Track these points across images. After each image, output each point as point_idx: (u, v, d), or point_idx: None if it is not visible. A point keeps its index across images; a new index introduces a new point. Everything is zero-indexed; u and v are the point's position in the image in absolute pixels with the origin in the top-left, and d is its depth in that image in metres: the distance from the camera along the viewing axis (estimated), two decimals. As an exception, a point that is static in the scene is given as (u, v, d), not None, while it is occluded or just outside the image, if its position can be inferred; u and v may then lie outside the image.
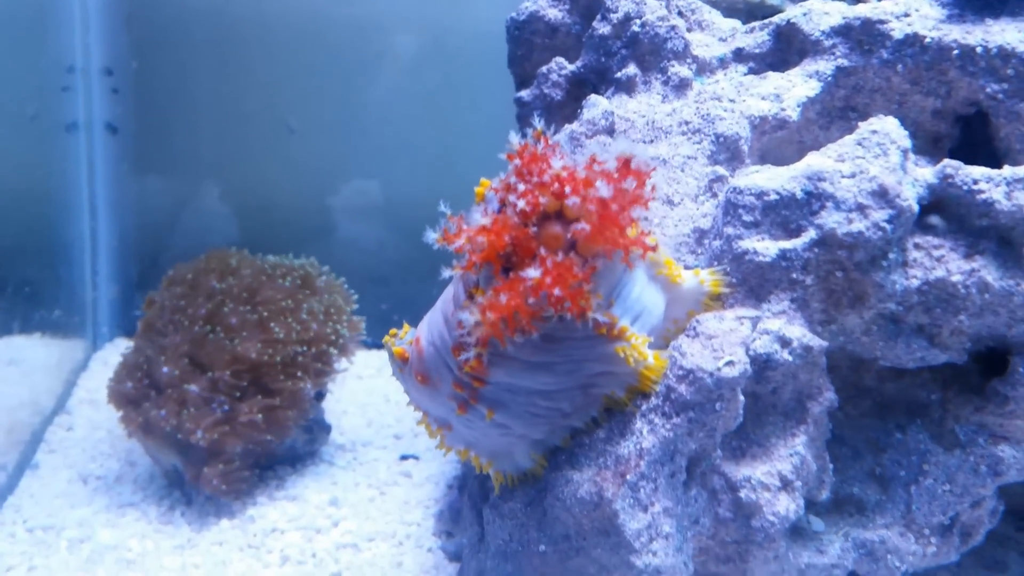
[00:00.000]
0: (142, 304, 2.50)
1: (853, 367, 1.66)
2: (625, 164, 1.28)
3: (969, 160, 1.54)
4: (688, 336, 1.44)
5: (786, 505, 1.45)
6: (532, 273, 1.23)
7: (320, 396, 2.40)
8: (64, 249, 3.19)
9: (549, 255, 1.26)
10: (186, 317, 2.27)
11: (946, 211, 1.51)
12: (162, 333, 2.26)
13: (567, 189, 1.26)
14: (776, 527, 1.45)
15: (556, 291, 1.24)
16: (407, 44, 3.56)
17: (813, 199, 1.48)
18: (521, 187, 1.27)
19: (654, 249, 1.34)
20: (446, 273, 1.30)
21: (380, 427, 2.72)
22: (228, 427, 2.15)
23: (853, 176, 1.47)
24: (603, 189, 1.24)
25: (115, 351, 3.23)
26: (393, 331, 1.57)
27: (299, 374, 2.26)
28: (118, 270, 3.46)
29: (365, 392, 3.04)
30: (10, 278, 2.78)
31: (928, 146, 1.75)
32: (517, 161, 1.30)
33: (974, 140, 1.74)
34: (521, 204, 1.26)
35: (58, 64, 3.07)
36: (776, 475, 1.47)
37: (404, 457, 2.49)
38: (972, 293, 1.46)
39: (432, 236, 1.28)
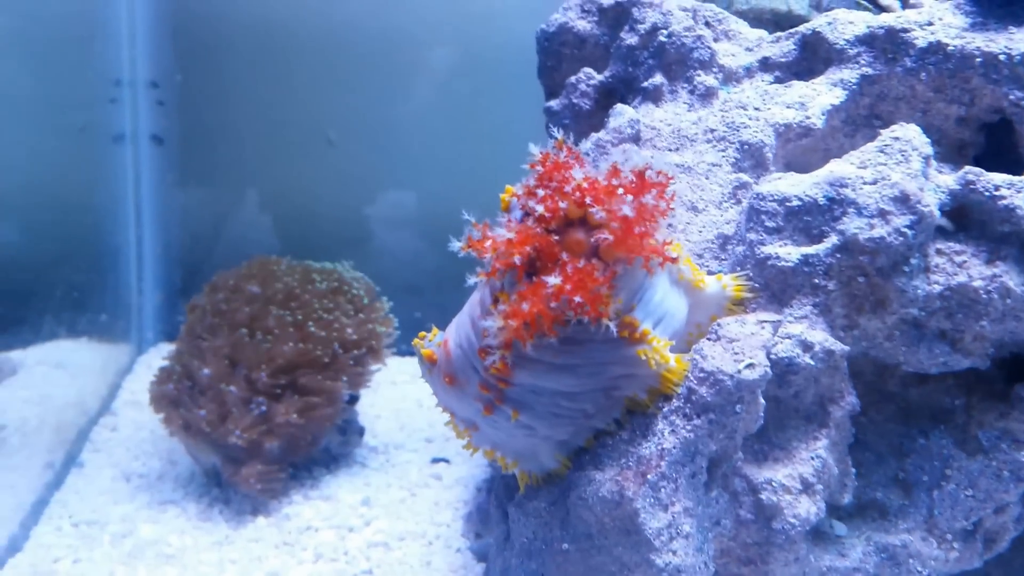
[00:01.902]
0: (185, 309, 2.59)
1: (877, 372, 1.67)
2: (641, 176, 1.32)
3: (994, 167, 1.55)
4: (710, 339, 1.46)
5: (807, 508, 1.47)
6: (553, 280, 1.27)
7: (354, 399, 2.47)
8: (111, 256, 3.30)
9: (571, 260, 1.30)
10: (226, 321, 2.34)
11: (968, 217, 1.53)
12: (203, 336, 2.34)
13: (588, 199, 1.31)
14: (797, 529, 1.47)
15: (577, 297, 1.28)
16: (442, 57, 3.63)
17: (835, 205, 1.50)
18: (541, 193, 1.32)
19: (675, 261, 1.37)
20: (471, 280, 1.34)
21: (412, 431, 2.77)
22: (265, 427, 2.22)
23: (875, 182, 1.49)
24: (627, 208, 1.28)
25: (158, 355, 3.33)
26: (422, 334, 1.62)
27: (334, 375, 2.32)
28: (162, 277, 3.57)
29: (399, 397, 3.10)
30: (59, 284, 2.89)
31: (952, 153, 1.76)
32: (539, 168, 1.35)
33: (1000, 147, 1.74)
34: (540, 209, 1.30)
35: (106, 77, 3.19)
36: (797, 478, 1.49)
37: (435, 460, 2.54)
38: (994, 298, 1.46)
39: (457, 245, 1.32)
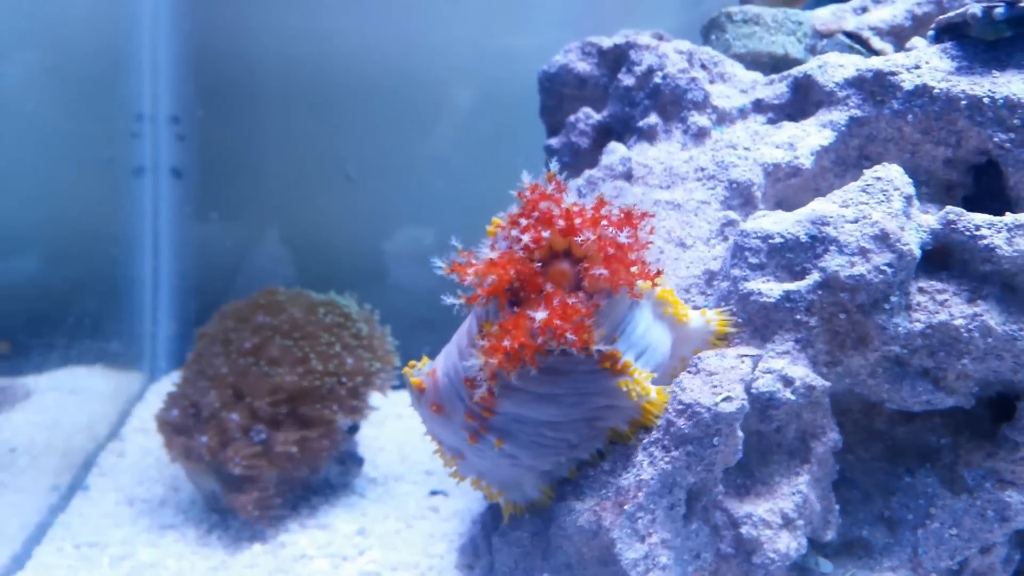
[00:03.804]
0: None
1: (864, 411, 1.68)
2: (628, 213, 1.36)
3: (983, 208, 1.57)
4: (690, 372, 1.48)
5: (787, 543, 1.47)
6: (540, 315, 1.30)
7: (353, 429, 2.49)
8: (127, 286, 3.38)
9: (556, 292, 1.33)
10: (232, 349, 2.39)
11: (950, 256, 1.54)
12: (210, 364, 2.39)
13: (577, 222, 1.34)
14: (777, 564, 1.47)
15: (559, 324, 1.31)
16: (463, 97, 3.71)
17: (817, 243, 1.52)
18: (524, 222, 1.35)
19: (658, 275, 1.40)
20: (448, 300, 1.37)
21: (413, 463, 2.79)
22: (264, 455, 2.25)
23: (856, 221, 1.51)
24: (610, 230, 1.31)
25: (170, 383, 3.38)
26: (412, 362, 1.65)
27: (334, 407, 2.36)
28: (178, 307, 3.65)
29: (404, 430, 3.12)
30: (75, 312, 2.96)
31: (941, 194, 1.78)
32: (527, 195, 1.39)
33: (988, 188, 1.76)
34: (526, 239, 1.34)
35: (128, 112, 3.30)
36: (778, 513, 1.49)
37: (434, 493, 2.56)
38: (975, 337, 1.47)
39: (439, 264, 1.36)
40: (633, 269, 1.35)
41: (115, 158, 3.25)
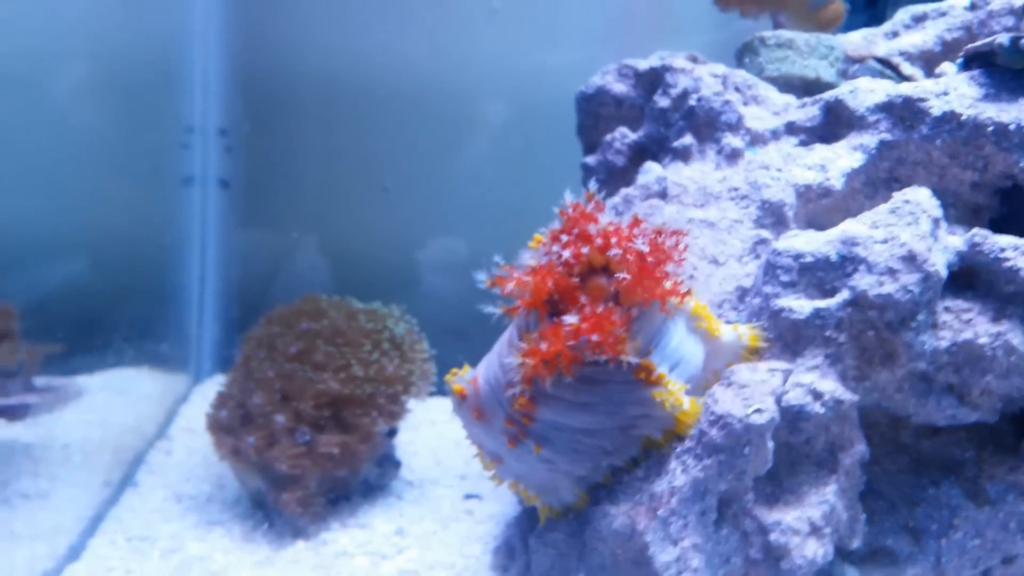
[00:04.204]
0: (240, 343, 2.75)
1: (891, 424, 1.74)
2: (659, 230, 1.44)
3: (1009, 230, 1.63)
4: (722, 385, 1.55)
5: (814, 550, 1.53)
6: (570, 319, 1.39)
7: (392, 433, 2.59)
8: (175, 291, 3.51)
9: (590, 303, 1.41)
10: (278, 353, 2.50)
11: (976, 277, 1.60)
12: (257, 367, 2.49)
13: (613, 240, 1.42)
14: (804, 570, 1.53)
15: (594, 336, 1.39)
16: (496, 112, 3.80)
17: (847, 262, 1.59)
18: (565, 238, 1.44)
19: (688, 294, 1.48)
20: (488, 309, 1.46)
21: (448, 468, 2.88)
22: (308, 456, 2.35)
23: (885, 242, 1.57)
24: (641, 243, 1.39)
25: (214, 385, 3.48)
26: (454, 370, 1.74)
27: (373, 412, 2.45)
28: (222, 312, 3.77)
29: (437, 436, 3.21)
30: (125, 315, 3.08)
31: (968, 216, 1.84)
32: (569, 214, 1.48)
33: (1015, 211, 1.82)
34: (566, 254, 1.43)
35: (179, 124, 3.44)
36: (806, 520, 1.55)
37: (468, 496, 2.64)
38: (999, 355, 1.53)
39: (482, 278, 1.45)
40: (666, 284, 1.43)
41: (165, 168, 3.39)
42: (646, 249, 1.40)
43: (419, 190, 3.81)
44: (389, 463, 2.65)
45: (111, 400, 3.07)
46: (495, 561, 2.24)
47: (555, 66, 3.67)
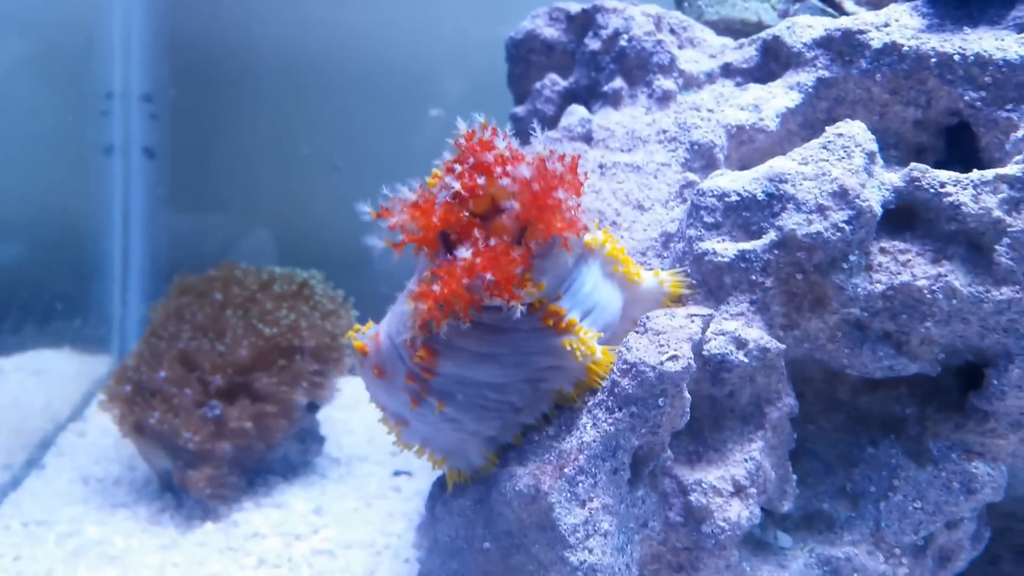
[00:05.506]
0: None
1: (827, 379, 1.61)
2: (551, 152, 1.28)
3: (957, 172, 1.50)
4: (637, 332, 1.41)
5: (738, 511, 1.40)
6: (463, 253, 1.24)
7: (313, 407, 2.43)
8: (95, 267, 3.32)
9: (484, 238, 1.26)
10: (186, 323, 2.33)
11: (915, 216, 1.47)
12: (162, 338, 2.32)
13: (509, 168, 1.27)
14: (727, 534, 1.39)
15: (489, 275, 1.24)
16: (453, 89, 3.65)
17: (774, 200, 1.46)
18: (458, 168, 1.29)
19: (585, 229, 1.33)
20: (371, 241, 1.31)
21: (380, 445, 2.72)
22: (217, 432, 2.18)
23: (815, 178, 1.44)
24: (524, 169, 1.24)
25: (139, 366, 3.33)
26: (357, 326, 1.58)
27: (292, 383, 2.29)
28: (149, 289, 3.57)
29: (375, 414, 3.05)
30: (42, 294, 2.90)
31: (911, 158, 1.71)
32: (463, 143, 1.32)
33: (961, 152, 1.69)
34: (456, 186, 1.27)
35: (97, 89, 3.24)
36: (729, 480, 1.42)
37: (397, 473, 2.49)
38: (939, 299, 1.40)
39: (366, 209, 1.30)
40: (564, 217, 1.28)
41: (83, 137, 3.19)
42: (528, 175, 1.24)
43: (371, 167, 3.65)
44: (312, 439, 2.49)
45: (22, 381, 2.89)
46: (419, 538, 2.10)
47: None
